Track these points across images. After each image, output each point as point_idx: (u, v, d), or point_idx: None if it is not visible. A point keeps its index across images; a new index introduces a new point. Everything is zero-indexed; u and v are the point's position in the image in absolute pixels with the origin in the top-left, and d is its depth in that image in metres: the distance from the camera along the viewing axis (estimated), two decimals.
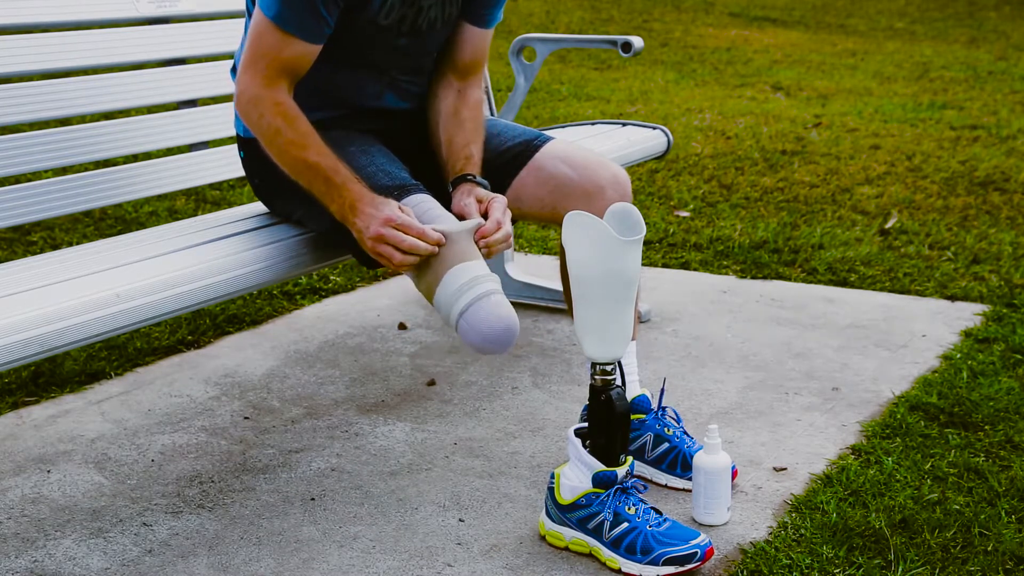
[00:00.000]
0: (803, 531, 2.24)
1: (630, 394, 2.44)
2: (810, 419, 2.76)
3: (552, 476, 2.22)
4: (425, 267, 2.12)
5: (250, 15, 2.32)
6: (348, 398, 2.88)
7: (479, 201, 2.25)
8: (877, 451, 2.56)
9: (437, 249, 2.10)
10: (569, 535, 2.19)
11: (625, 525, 2.12)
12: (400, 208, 2.12)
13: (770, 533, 2.25)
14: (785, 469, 2.51)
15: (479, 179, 2.32)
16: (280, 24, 2.15)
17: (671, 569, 2.09)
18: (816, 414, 2.78)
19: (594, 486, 2.15)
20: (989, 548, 2.19)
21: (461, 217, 2.22)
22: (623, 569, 2.12)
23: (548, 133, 2.57)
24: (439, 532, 2.26)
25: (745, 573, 2.11)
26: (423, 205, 2.18)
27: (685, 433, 2.45)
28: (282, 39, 2.16)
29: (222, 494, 2.40)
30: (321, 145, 2.17)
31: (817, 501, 2.35)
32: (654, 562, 2.09)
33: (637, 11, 11.83)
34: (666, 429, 2.44)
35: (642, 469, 2.44)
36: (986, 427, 2.68)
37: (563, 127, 3.39)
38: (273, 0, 2.15)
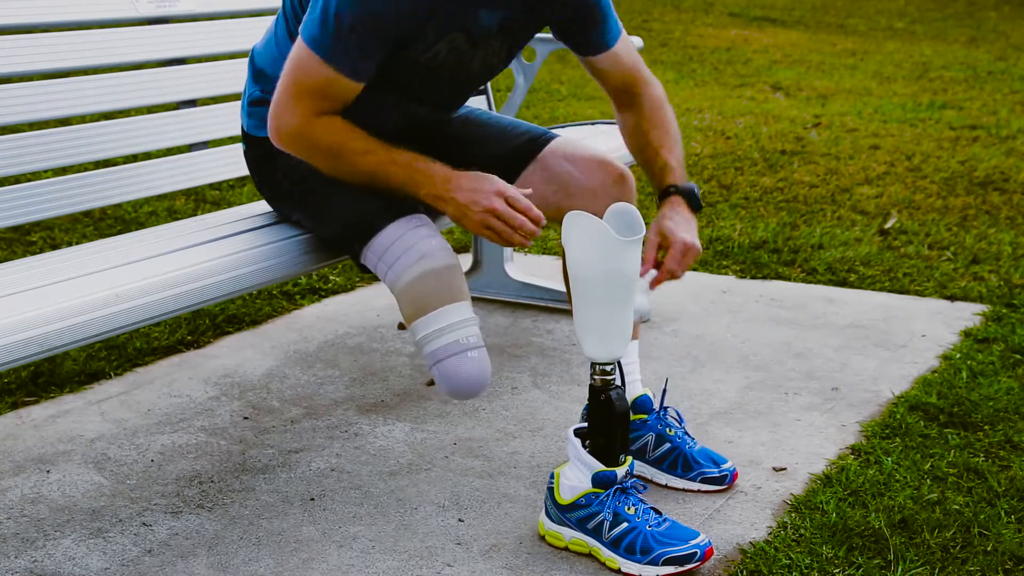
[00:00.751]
0: (803, 531, 2.24)
1: (632, 394, 2.44)
2: (810, 419, 2.76)
3: (552, 476, 2.22)
4: (411, 293, 2.12)
5: (287, 19, 2.28)
6: (348, 398, 2.88)
7: (662, 236, 2.25)
8: (877, 451, 2.56)
9: (540, 232, 2.12)
10: (569, 535, 2.19)
11: (625, 525, 2.12)
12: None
13: (770, 533, 2.25)
14: (785, 469, 2.51)
15: (682, 187, 2.32)
16: (329, 61, 2.09)
17: (671, 569, 2.09)
18: (816, 414, 2.79)
19: (594, 486, 2.15)
20: (989, 548, 2.19)
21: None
22: (623, 569, 2.12)
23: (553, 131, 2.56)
24: (439, 532, 2.26)
25: (745, 573, 2.11)
26: (418, 232, 2.16)
27: (687, 434, 2.45)
28: (330, 78, 2.10)
29: (222, 494, 2.40)
30: (384, 143, 2.15)
31: (817, 501, 2.35)
32: (654, 562, 2.09)
33: (637, 11, 11.83)
34: (668, 430, 2.44)
35: (643, 469, 2.44)
36: (986, 427, 2.68)
37: (563, 127, 3.39)
38: (324, 37, 2.07)
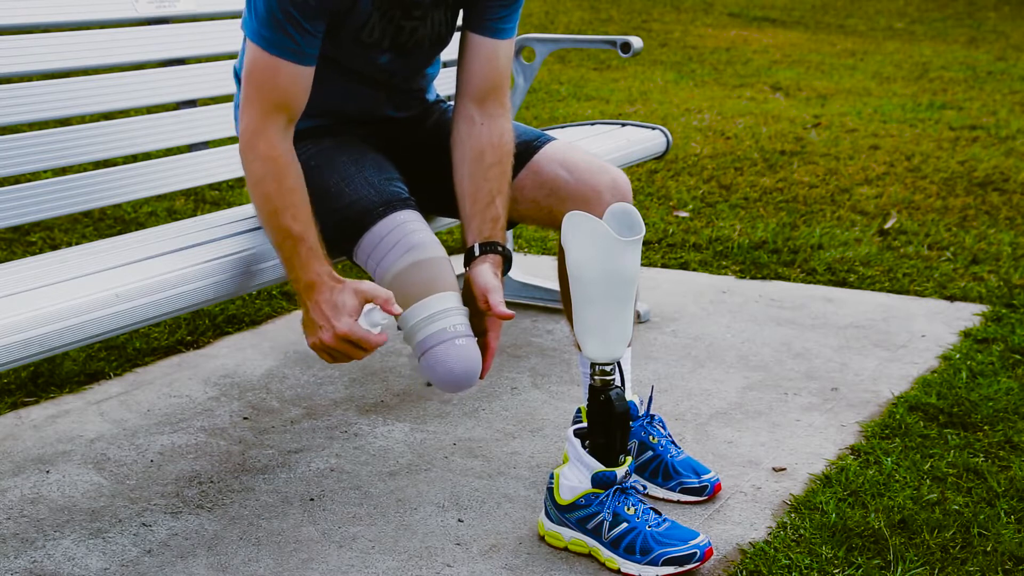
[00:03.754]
0: (802, 531, 2.24)
1: None
2: (809, 419, 2.76)
3: (551, 476, 2.22)
4: (399, 285, 2.10)
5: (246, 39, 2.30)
6: (347, 398, 2.88)
7: (483, 298, 2.16)
8: (876, 451, 2.56)
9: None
10: (568, 535, 2.19)
11: (624, 525, 2.13)
12: (357, 294, 2.04)
13: (769, 533, 2.25)
14: (784, 469, 2.51)
15: (506, 250, 2.24)
16: (269, 49, 2.10)
17: (670, 569, 2.09)
18: (815, 414, 2.79)
19: (593, 486, 2.16)
20: (988, 548, 2.19)
21: (472, 293, 2.17)
22: (622, 569, 2.12)
23: (548, 133, 2.56)
24: (438, 532, 2.26)
25: (744, 573, 2.11)
26: (405, 227, 2.15)
27: (672, 443, 2.44)
28: (274, 65, 2.10)
29: (221, 494, 2.40)
30: (300, 208, 2.09)
31: (816, 501, 2.35)
32: (653, 562, 2.09)
33: (636, 11, 11.83)
34: (651, 437, 2.42)
35: None
36: (985, 427, 2.68)
37: (562, 127, 3.39)
38: (258, 26, 2.10)
